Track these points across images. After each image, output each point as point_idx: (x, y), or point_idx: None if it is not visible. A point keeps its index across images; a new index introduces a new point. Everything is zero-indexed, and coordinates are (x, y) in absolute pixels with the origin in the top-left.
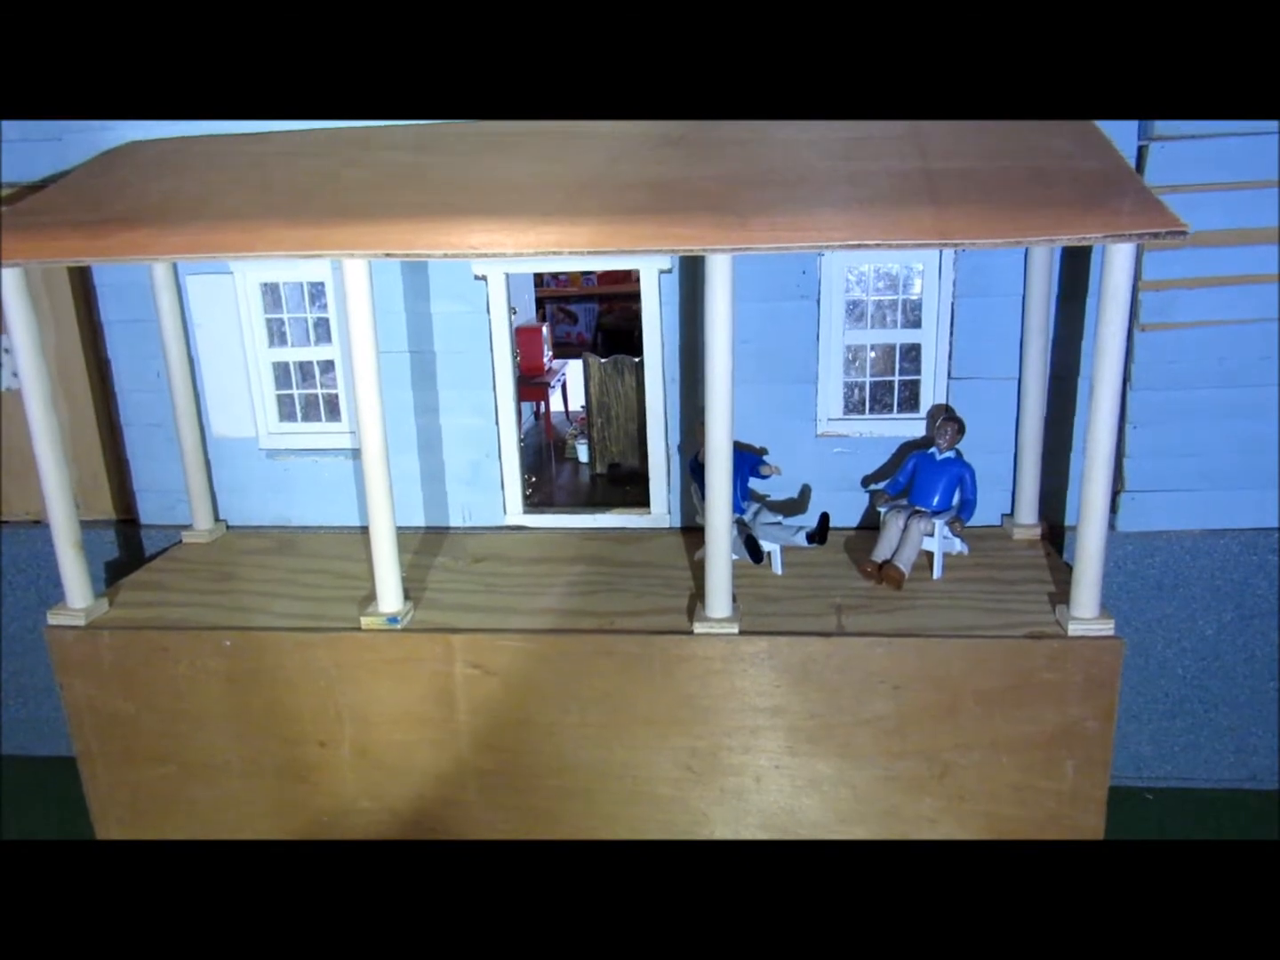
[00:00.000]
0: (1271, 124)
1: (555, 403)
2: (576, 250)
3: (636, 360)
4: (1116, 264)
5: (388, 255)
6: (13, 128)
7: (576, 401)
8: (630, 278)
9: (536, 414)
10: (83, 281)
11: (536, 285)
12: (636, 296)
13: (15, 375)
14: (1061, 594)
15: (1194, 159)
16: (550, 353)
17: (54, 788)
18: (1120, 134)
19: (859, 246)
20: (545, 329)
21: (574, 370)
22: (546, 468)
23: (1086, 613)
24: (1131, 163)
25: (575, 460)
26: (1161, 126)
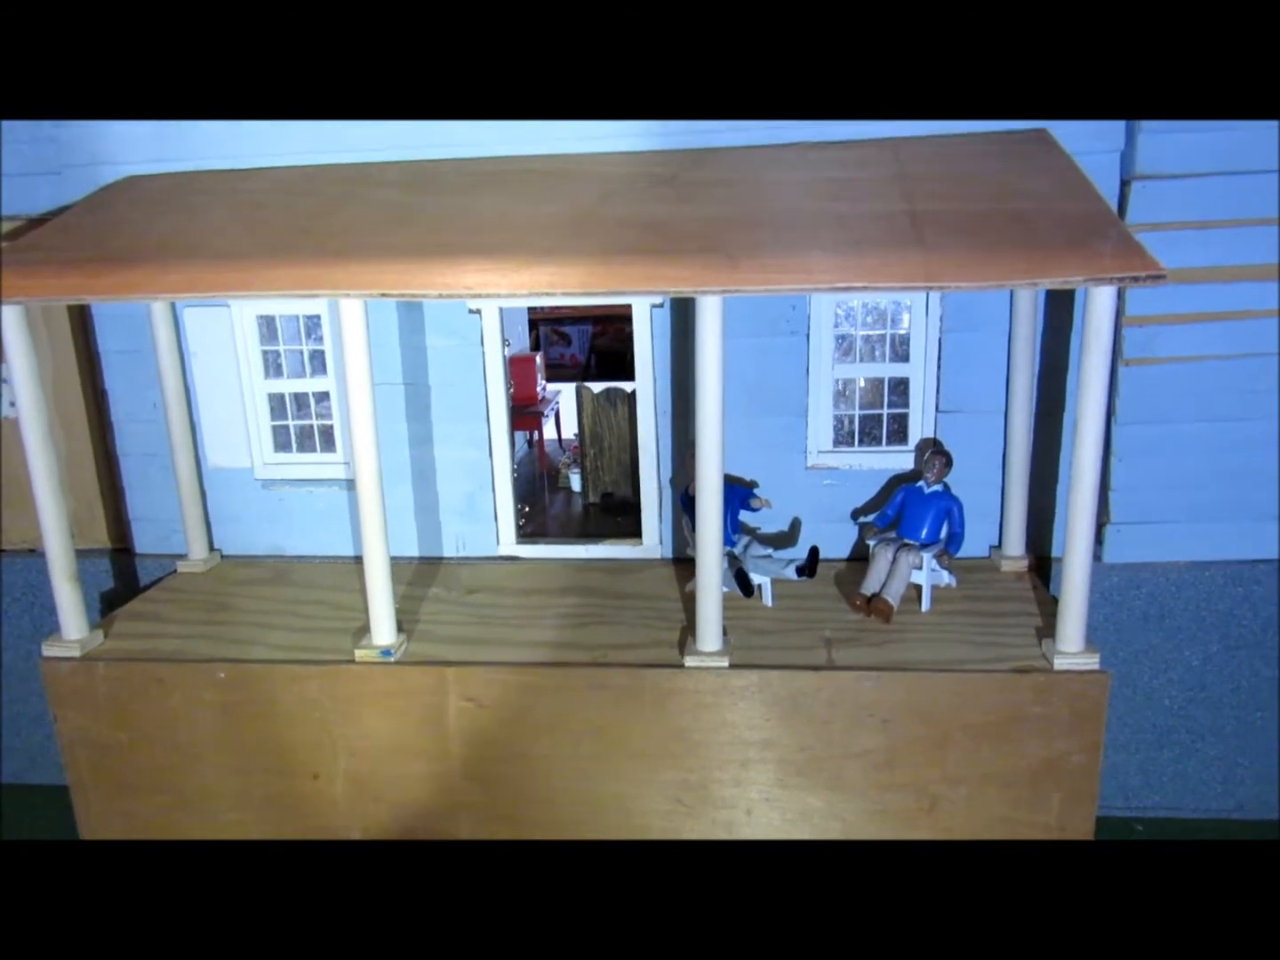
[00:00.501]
0: (1252, 163)
1: (549, 429)
2: (570, 290)
3: (629, 391)
4: (1098, 304)
5: (383, 295)
6: (13, 162)
7: (570, 429)
8: None
9: (530, 442)
10: (80, 312)
11: (530, 307)
12: (629, 319)
13: (13, 405)
14: (1048, 627)
15: (1175, 197)
16: (544, 382)
17: (47, 816)
18: (1102, 173)
19: (847, 289)
20: (539, 358)
21: (567, 397)
22: (540, 496)
23: (1072, 647)
24: (1114, 201)
25: (568, 489)
26: (1143, 166)
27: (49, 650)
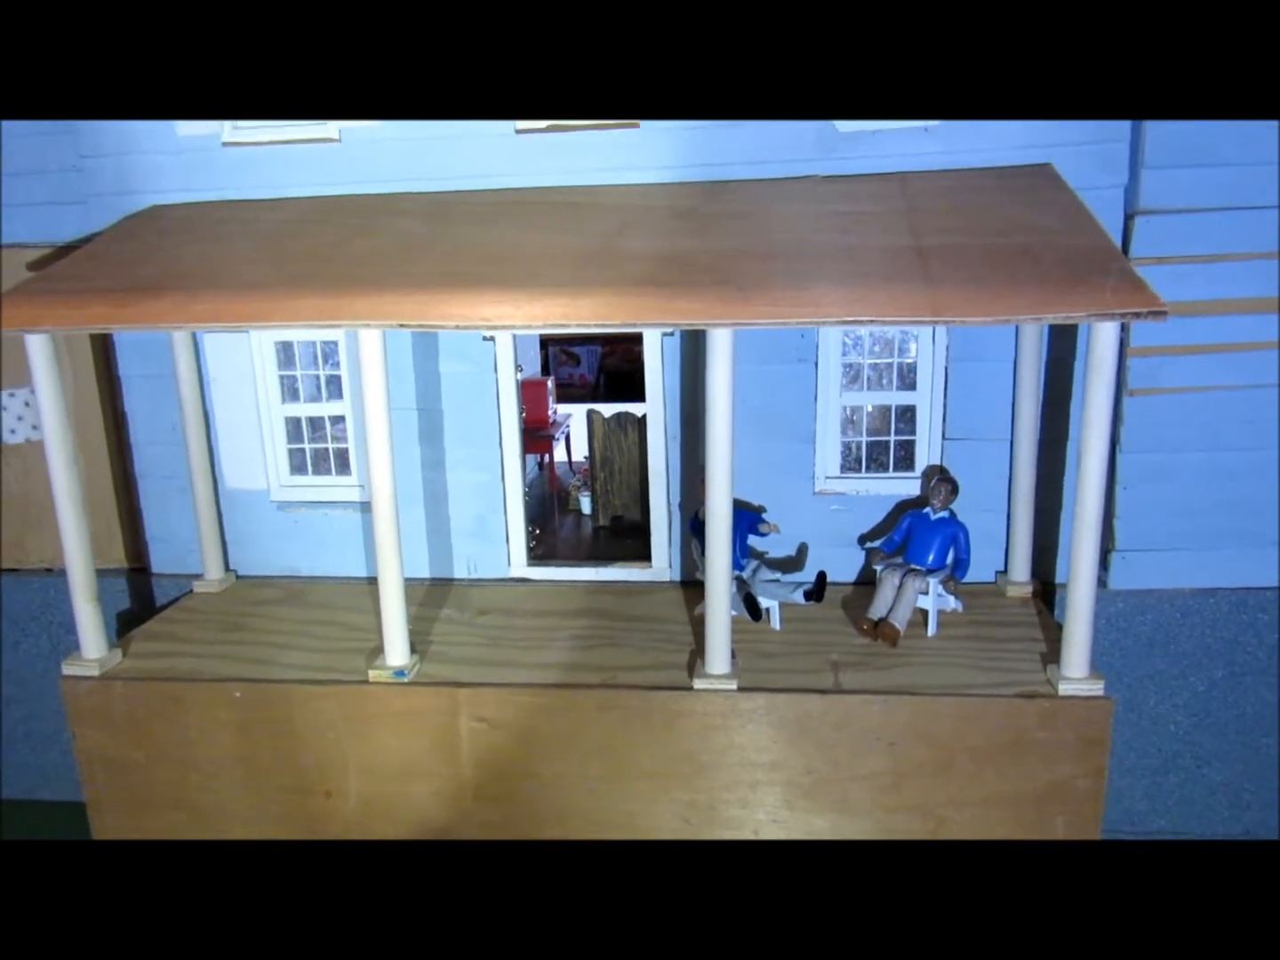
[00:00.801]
0: (1254, 199)
1: (559, 452)
2: (583, 321)
3: (639, 416)
4: (1101, 339)
5: (402, 326)
6: (40, 190)
7: (580, 451)
8: None
9: (541, 465)
10: (102, 336)
11: None
12: (638, 339)
13: (35, 428)
14: (1053, 652)
15: (1179, 232)
16: (555, 406)
17: (60, 833)
18: (1107, 207)
19: (855, 322)
20: (550, 382)
21: (578, 421)
22: (550, 519)
23: (1077, 672)
24: (1118, 235)
25: (578, 512)
26: (1147, 201)
27: (68, 669)
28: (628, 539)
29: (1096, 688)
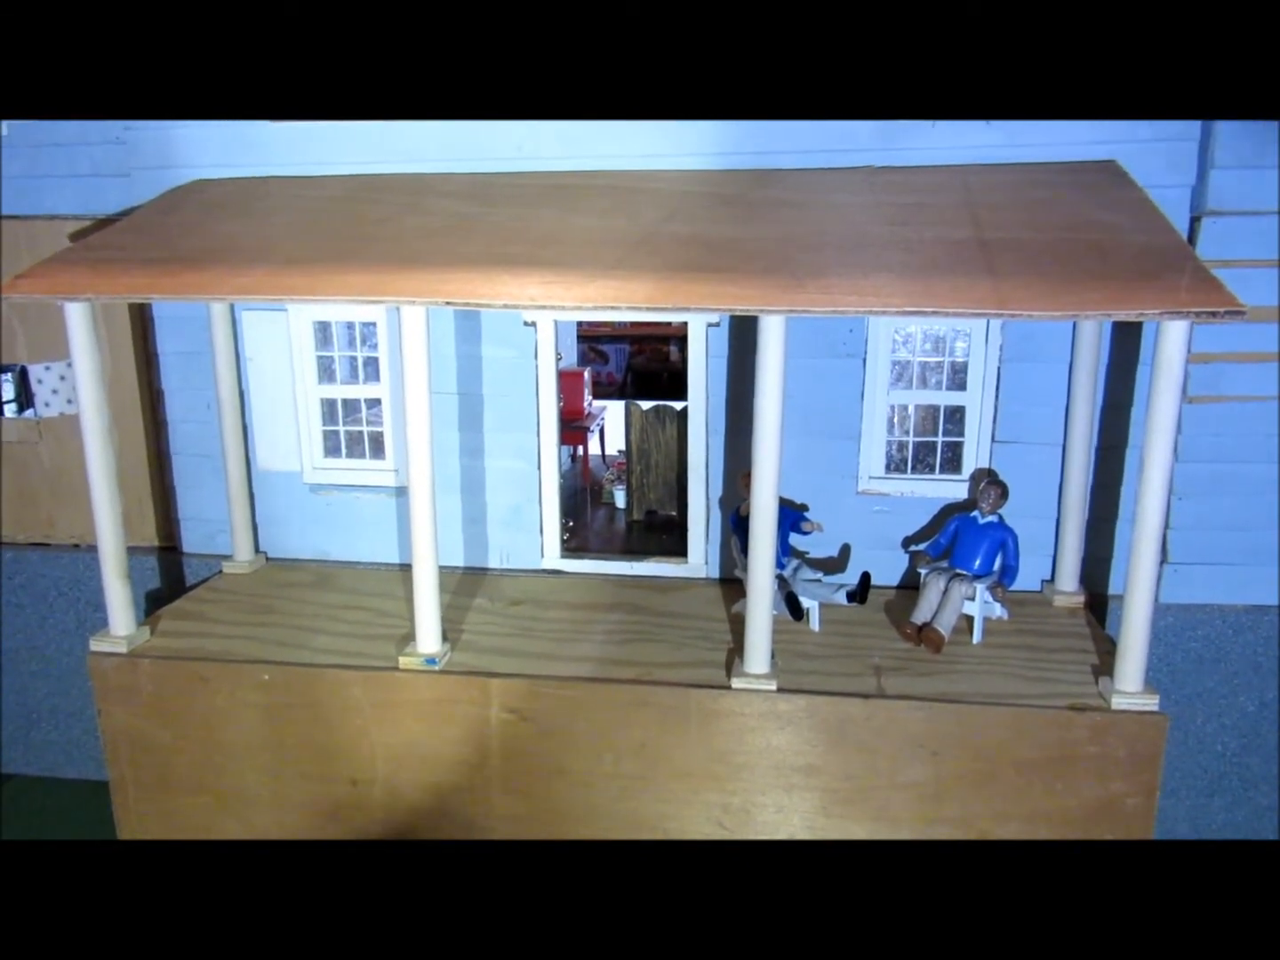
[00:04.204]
0: None
1: (592, 445)
2: (634, 305)
3: (678, 409)
4: (1170, 339)
5: (447, 303)
6: (83, 163)
7: (613, 445)
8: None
9: (574, 457)
10: (140, 312)
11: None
12: (666, 339)
13: (70, 402)
14: (1103, 665)
15: (1245, 234)
16: (590, 397)
17: (84, 812)
18: (1172, 207)
19: (915, 313)
20: (587, 373)
21: (612, 413)
22: (583, 512)
23: (1130, 686)
24: (1183, 236)
25: (612, 505)
26: (1214, 201)
27: (96, 645)
28: (661, 533)
29: (1151, 703)
